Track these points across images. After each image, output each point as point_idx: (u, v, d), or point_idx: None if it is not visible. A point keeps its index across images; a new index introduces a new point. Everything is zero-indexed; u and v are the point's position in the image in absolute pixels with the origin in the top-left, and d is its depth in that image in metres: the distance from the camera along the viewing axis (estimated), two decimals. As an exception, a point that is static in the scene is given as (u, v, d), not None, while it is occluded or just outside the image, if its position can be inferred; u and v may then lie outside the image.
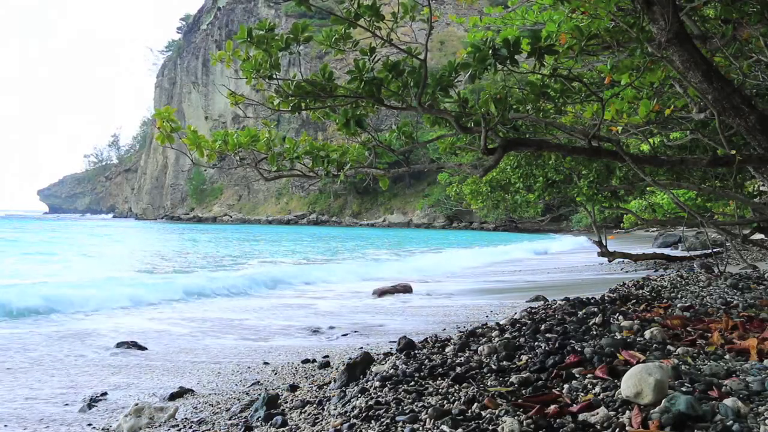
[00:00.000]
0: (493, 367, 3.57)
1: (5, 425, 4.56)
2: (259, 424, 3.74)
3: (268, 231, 61.56)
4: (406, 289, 12.72)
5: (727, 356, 3.37)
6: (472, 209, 13.78)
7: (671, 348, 3.60)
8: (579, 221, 52.98)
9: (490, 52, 3.70)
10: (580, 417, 2.53)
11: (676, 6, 3.63)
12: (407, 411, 2.94)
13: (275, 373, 5.81)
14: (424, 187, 76.88)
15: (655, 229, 27.97)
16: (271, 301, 12.14)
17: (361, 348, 6.66)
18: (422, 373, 3.67)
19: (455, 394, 3.14)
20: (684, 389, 2.71)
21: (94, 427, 4.50)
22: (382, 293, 12.34)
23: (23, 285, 12.66)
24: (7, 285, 12.56)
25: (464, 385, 3.31)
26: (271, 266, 21.14)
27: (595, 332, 4.41)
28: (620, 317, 4.93)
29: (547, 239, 42.37)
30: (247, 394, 5.09)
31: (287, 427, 3.41)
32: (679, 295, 6.43)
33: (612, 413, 2.51)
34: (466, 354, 4.10)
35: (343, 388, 4.00)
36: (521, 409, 2.69)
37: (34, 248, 27.84)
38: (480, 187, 11.56)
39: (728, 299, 5.69)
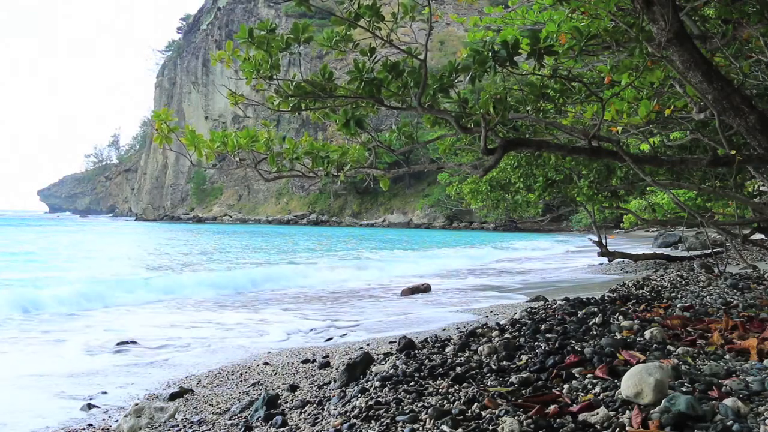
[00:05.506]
0: (493, 367, 3.57)
1: (4, 425, 4.56)
2: (259, 424, 3.73)
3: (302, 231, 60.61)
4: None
5: (727, 356, 3.37)
6: (472, 209, 13.74)
7: (671, 348, 3.60)
8: (579, 221, 52.96)
9: (490, 55, 3.70)
10: (580, 417, 2.53)
11: (676, 6, 3.63)
12: (407, 411, 2.94)
13: (275, 373, 5.80)
14: (424, 187, 76.82)
15: (655, 229, 27.95)
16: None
17: (361, 348, 6.65)
18: (422, 373, 3.67)
19: (455, 394, 3.14)
20: (684, 389, 2.71)
21: (94, 427, 4.50)
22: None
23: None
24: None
25: (464, 385, 3.31)
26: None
27: (595, 332, 4.41)
28: (620, 317, 4.93)
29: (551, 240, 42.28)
30: (247, 394, 5.09)
31: (287, 427, 3.41)
32: (679, 295, 6.43)
33: (612, 413, 2.51)
34: (466, 354, 4.10)
35: (343, 388, 4.00)
36: (521, 409, 2.69)
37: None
38: (480, 187, 11.55)
39: (728, 299, 5.69)
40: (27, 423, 4.60)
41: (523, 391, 3.02)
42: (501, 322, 5.61)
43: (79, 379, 5.90)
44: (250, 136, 4.23)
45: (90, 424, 4.56)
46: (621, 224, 19.66)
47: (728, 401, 2.42)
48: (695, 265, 11.73)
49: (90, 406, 4.95)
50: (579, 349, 3.70)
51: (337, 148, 4.46)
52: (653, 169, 7.84)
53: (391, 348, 5.95)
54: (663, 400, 2.45)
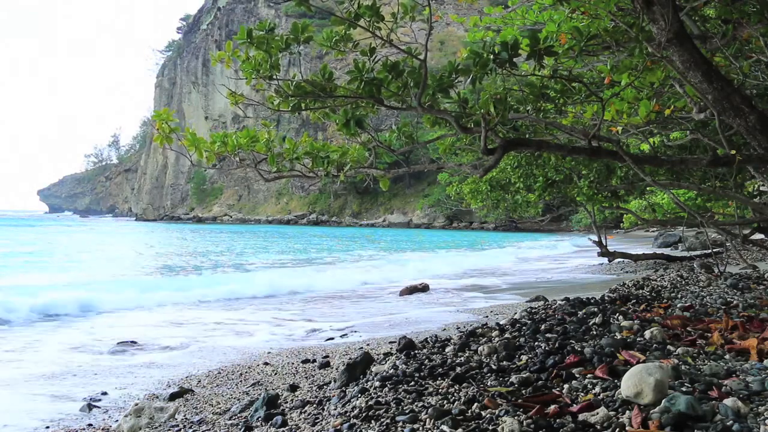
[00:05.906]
0: (493, 367, 3.57)
1: (5, 425, 4.56)
2: (259, 424, 3.73)
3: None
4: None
5: (727, 356, 3.37)
6: (472, 209, 13.74)
7: (671, 348, 3.60)
8: (579, 221, 52.96)
9: (491, 57, 3.69)
10: (580, 417, 2.53)
11: (676, 6, 3.62)
12: (407, 411, 2.94)
13: (275, 373, 5.80)
14: (424, 187, 76.79)
15: (655, 229, 27.94)
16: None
17: (361, 348, 6.65)
18: (422, 373, 3.67)
19: (455, 394, 3.14)
20: (684, 389, 2.71)
21: (94, 427, 4.50)
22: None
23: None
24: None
25: (464, 385, 3.31)
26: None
27: (595, 332, 4.41)
28: (620, 317, 4.93)
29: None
30: (247, 394, 5.09)
31: (287, 427, 3.41)
32: (679, 295, 6.42)
33: (612, 413, 2.51)
34: (466, 354, 4.10)
35: (343, 388, 4.00)
36: (521, 409, 2.69)
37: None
38: (480, 187, 11.54)
39: (728, 299, 5.69)
40: (27, 423, 4.61)
41: (523, 391, 3.01)
42: (501, 322, 5.61)
43: (79, 379, 5.90)
44: (250, 136, 4.23)
45: (90, 424, 4.56)
46: (621, 224, 19.66)
47: (728, 401, 2.42)
48: (695, 265, 11.73)
49: (90, 407, 4.95)
50: (579, 349, 3.70)
51: (337, 148, 4.46)
52: (653, 169, 7.84)
53: (391, 348, 5.95)
54: (663, 400, 2.45)
